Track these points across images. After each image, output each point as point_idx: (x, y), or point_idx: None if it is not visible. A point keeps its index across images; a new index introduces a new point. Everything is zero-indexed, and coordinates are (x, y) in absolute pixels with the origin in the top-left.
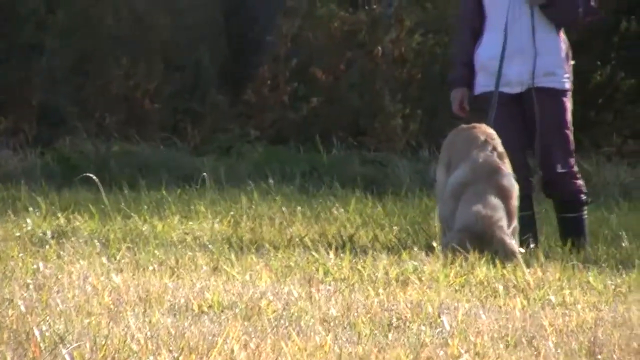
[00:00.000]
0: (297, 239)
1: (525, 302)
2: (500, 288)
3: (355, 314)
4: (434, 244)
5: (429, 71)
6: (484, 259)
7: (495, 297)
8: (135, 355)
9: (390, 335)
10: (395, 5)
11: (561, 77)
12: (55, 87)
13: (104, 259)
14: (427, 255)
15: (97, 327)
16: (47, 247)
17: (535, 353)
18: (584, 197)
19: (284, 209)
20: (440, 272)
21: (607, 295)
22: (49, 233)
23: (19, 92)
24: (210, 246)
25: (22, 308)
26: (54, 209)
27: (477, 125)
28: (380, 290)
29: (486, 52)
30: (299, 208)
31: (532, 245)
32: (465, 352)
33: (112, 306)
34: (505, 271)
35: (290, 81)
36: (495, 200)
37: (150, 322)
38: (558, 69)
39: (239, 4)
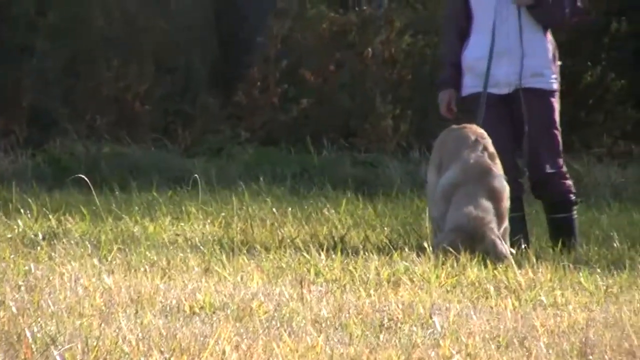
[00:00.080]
0: (288, 240)
1: (516, 303)
2: (492, 289)
3: (347, 314)
4: (425, 245)
5: (419, 72)
6: (475, 259)
7: (486, 297)
8: (127, 356)
9: (381, 336)
10: (385, 6)
11: (549, 77)
12: (46, 89)
13: (96, 261)
14: (418, 256)
15: (89, 329)
16: (39, 248)
17: (527, 354)
18: (573, 197)
19: (274, 210)
20: (431, 273)
21: (598, 296)
22: (40, 234)
23: (9, 94)
24: (201, 247)
25: (14, 309)
26: (45, 211)
27: (468, 125)
28: (372, 291)
29: (473, 53)
30: (290, 209)
31: (523, 246)
32: (457, 352)
33: (103, 307)
34: (496, 272)
35: (280, 82)
36: (486, 203)
37: (141, 323)
38: (545, 70)
39: (230, 6)
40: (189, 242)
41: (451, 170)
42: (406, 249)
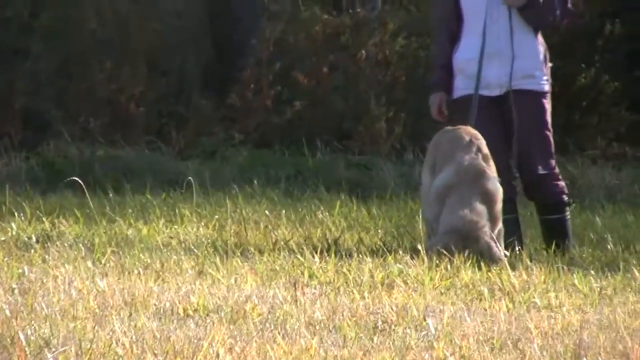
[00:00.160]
0: (282, 243)
1: (510, 305)
2: (486, 291)
3: (341, 317)
4: (419, 247)
5: (412, 74)
6: (469, 262)
7: (480, 300)
8: (121, 359)
9: (375, 339)
10: (378, 8)
11: (540, 79)
12: (39, 91)
13: (89, 263)
14: (412, 258)
15: (83, 331)
16: (32, 251)
17: (521, 356)
18: (566, 198)
19: (268, 212)
20: (425, 275)
21: (592, 298)
22: (34, 237)
23: (3, 96)
24: (195, 250)
25: (7, 312)
26: (39, 213)
27: (462, 126)
28: (366, 294)
29: (464, 55)
30: (283, 212)
31: (517, 248)
32: (451, 355)
33: (97, 310)
34: (490, 274)
35: (273, 85)
36: (480, 206)
37: (135, 326)
38: (537, 72)
39: (223, 8)
40: (183, 245)
41: (445, 171)
42: (400, 252)
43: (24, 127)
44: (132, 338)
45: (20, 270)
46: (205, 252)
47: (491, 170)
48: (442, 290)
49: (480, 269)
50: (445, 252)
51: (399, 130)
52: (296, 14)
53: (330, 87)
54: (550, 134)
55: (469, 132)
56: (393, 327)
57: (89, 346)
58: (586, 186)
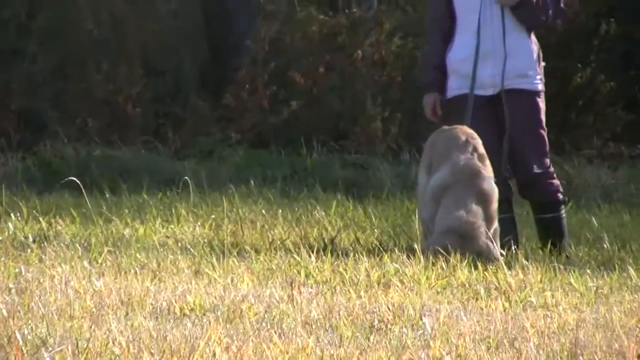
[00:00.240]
0: (278, 242)
1: (506, 304)
2: (482, 290)
3: (337, 316)
4: (416, 247)
5: (408, 74)
6: (465, 261)
7: (476, 299)
8: (117, 358)
9: (372, 338)
10: (374, 8)
11: (534, 78)
12: (36, 92)
13: (86, 263)
14: (408, 257)
15: (79, 331)
16: (29, 251)
17: (517, 355)
18: (561, 196)
19: (265, 212)
20: (421, 275)
21: (588, 297)
22: (30, 237)
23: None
24: (191, 249)
25: (4, 312)
26: (36, 213)
27: (459, 126)
28: (362, 293)
29: (458, 55)
30: (280, 211)
31: (513, 248)
32: (447, 354)
33: (94, 310)
34: (486, 273)
35: (269, 85)
36: (475, 207)
37: (132, 325)
38: (530, 71)
39: (219, 9)
40: (179, 244)
41: (441, 171)
42: (396, 251)
43: (20, 128)
44: (128, 337)
45: (17, 270)
46: (202, 251)
47: (487, 170)
48: (439, 290)
49: (476, 268)
50: (443, 251)
51: (395, 130)
52: (292, 14)
53: (327, 87)
54: (544, 133)
55: (465, 131)
56: (389, 326)
57: (85, 345)
58: (582, 185)
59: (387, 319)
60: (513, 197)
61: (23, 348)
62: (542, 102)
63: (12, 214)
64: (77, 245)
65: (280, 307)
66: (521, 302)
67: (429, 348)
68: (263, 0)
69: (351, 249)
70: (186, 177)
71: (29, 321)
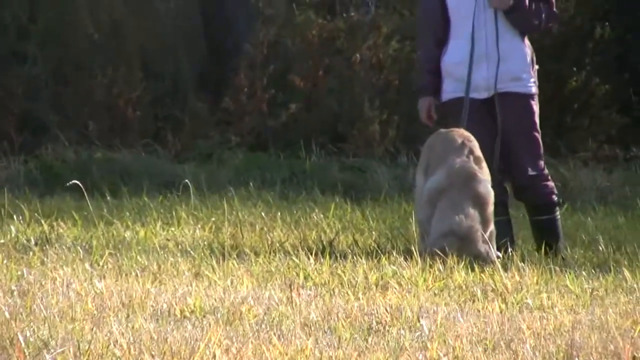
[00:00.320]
0: (277, 245)
1: (503, 306)
2: (479, 292)
3: (336, 318)
4: (413, 249)
5: (406, 77)
6: (462, 263)
7: (473, 301)
8: None
9: (370, 339)
10: (372, 12)
11: (527, 81)
12: (37, 95)
13: (87, 265)
14: (406, 259)
15: (81, 333)
16: (31, 253)
17: (514, 356)
18: (555, 198)
19: (264, 214)
20: (419, 277)
21: (584, 299)
22: (32, 240)
23: (1, 100)
24: (192, 252)
25: (7, 314)
26: (38, 216)
27: (456, 129)
28: (360, 295)
29: (452, 59)
30: (279, 214)
31: (509, 250)
32: (444, 355)
33: (95, 312)
34: (483, 275)
35: (268, 88)
36: (472, 210)
37: (133, 327)
38: (524, 74)
39: (217, 12)
40: (180, 247)
41: (437, 174)
42: (394, 253)
43: (22, 131)
44: (129, 339)
45: (19, 273)
46: (202, 254)
47: (483, 173)
48: (436, 292)
49: (473, 270)
50: (441, 254)
51: (393, 133)
52: (291, 18)
53: (325, 90)
54: (538, 136)
55: (462, 134)
56: (387, 327)
57: (87, 347)
58: (578, 188)
59: (385, 321)
60: (509, 200)
61: (25, 350)
62: (536, 105)
63: (14, 217)
64: (79, 247)
65: (280, 309)
66: (517, 303)
67: (426, 349)
68: (262, 4)
69: (349, 251)
70: (186, 180)
71: (31, 323)
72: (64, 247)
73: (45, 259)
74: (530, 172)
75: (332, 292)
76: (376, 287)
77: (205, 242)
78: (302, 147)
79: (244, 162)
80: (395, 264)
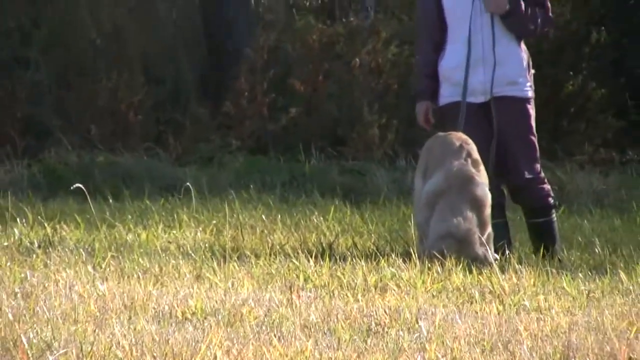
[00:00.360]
0: (277, 247)
1: (500, 308)
2: (476, 294)
3: (335, 319)
4: (412, 251)
5: (405, 81)
6: (460, 265)
7: (471, 302)
8: None
9: (369, 341)
10: (371, 17)
11: (524, 85)
12: (40, 100)
13: (90, 268)
14: (404, 262)
15: (83, 334)
16: (34, 256)
17: (511, 357)
18: (552, 200)
19: (264, 217)
20: (417, 279)
21: (580, 300)
22: (36, 242)
23: (5, 105)
24: (193, 254)
25: (10, 316)
26: (41, 219)
27: (454, 132)
28: (360, 297)
29: (449, 63)
30: (279, 217)
31: (507, 252)
32: (443, 356)
33: (97, 314)
34: (481, 277)
35: (268, 92)
36: (470, 213)
37: (135, 329)
38: (520, 78)
39: (217, 18)
40: (181, 250)
41: (434, 177)
42: (393, 255)
43: (25, 135)
44: (131, 341)
45: (22, 275)
46: (203, 256)
47: (480, 176)
48: (434, 293)
49: (471, 272)
50: (439, 256)
51: (392, 136)
52: (291, 23)
53: (325, 94)
54: (535, 139)
55: (460, 137)
56: (386, 329)
57: (89, 349)
58: (574, 191)
59: (384, 322)
60: (506, 203)
61: (28, 351)
62: (532, 109)
63: (17, 220)
64: (81, 250)
65: (280, 310)
66: (515, 305)
67: (425, 351)
68: (262, 10)
69: (349, 253)
70: (187, 183)
71: (34, 325)
72: (66, 250)
73: (48, 262)
74: (527, 175)
75: (331, 294)
76: (375, 289)
77: (207, 245)
78: (302, 150)
79: (245, 165)
80: (394, 266)
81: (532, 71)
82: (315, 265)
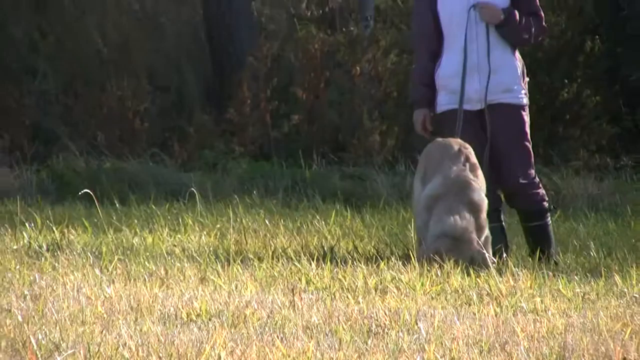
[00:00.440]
0: (280, 250)
1: (498, 309)
2: (474, 296)
3: (336, 321)
4: (411, 254)
5: (404, 89)
6: (458, 268)
7: (469, 304)
8: None
9: (369, 342)
10: (371, 27)
11: (518, 93)
12: (48, 108)
13: (97, 271)
14: (404, 265)
15: (91, 336)
16: (43, 259)
17: (508, 358)
18: (546, 204)
19: (267, 221)
20: (417, 281)
21: (576, 302)
22: (44, 246)
23: (14, 113)
24: (197, 258)
25: (20, 317)
26: (49, 223)
27: (452, 138)
28: (360, 299)
29: (446, 72)
30: (282, 221)
31: (504, 255)
32: (441, 357)
33: (104, 315)
34: (478, 280)
35: (271, 100)
36: (467, 214)
37: (141, 330)
38: (515, 86)
39: (221, 27)
40: (186, 253)
41: (433, 182)
42: (393, 258)
43: (34, 142)
44: (137, 342)
45: (31, 278)
46: (207, 259)
47: (477, 181)
48: (433, 295)
49: (469, 275)
50: (436, 255)
51: (392, 143)
52: (293, 33)
53: (326, 102)
54: (529, 145)
55: (458, 141)
56: (386, 330)
57: (97, 349)
58: (570, 196)
59: (384, 324)
60: (502, 207)
61: (37, 352)
62: (526, 116)
63: (27, 224)
64: (89, 253)
65: (282, 312)
66: (512, 307)
67: (424, 351)
68: (264, 20)
69: (349, 256)
70: (192, 188)
71: (43, 326)
72: (74, 253)
73: (56, 265)
74: (521, 180)
75: (333, 296)
76: (375, 291)
77: (211, 248)
78: (304, 156)
79: (248, 171)
80: (394, 269)
81: (527, 79)
82: (316, 268)
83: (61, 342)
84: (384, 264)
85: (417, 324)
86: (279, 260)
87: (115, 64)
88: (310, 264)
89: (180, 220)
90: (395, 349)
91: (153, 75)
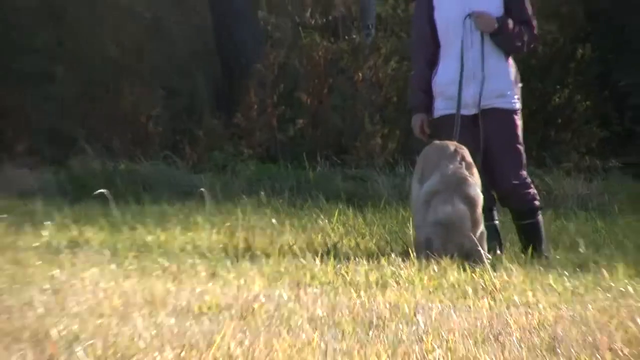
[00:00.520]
0: (286, 247)
1: (492, 303)
2: (470, 290)
3: (340, 314)
4: (410, 251)
5: (404, 94)
6: (455, 264)
7: (465, 298)
8: (142, 352)
9: (370, 333)
10: (373, 35)
11: (511, 98)
12: (66, 113)
13: (113, 266)
14: (403, 261)
15: (108, 327)
16: (62, 256)
17: (501, 348)
18: (537, 203)
19: (274, 220)
20: (415, 276)
21: (566, 296)
22: (63, 243)
23: (34, 117)
24: (208, 254)
25: (41, 310)
26: (68, 222)
27: (448, 141)
28: (362, 293)
29: (443, 79)
30: (287, 220)
31: (497, 252)
32: (438, 347)
33: (121, 308)
34: (474, 275)
35: (278, 105)
36: (462, 206)
37: (155, 322)
38: (508, 91)
39: (229, 36)
40: (197, 250)
41: (431, 179)
42: (393, 255)
43: (53, 145)
44: (152, 333)
45: (51, 273)
46: (218, 256)
47: (473, 178)
48: (431, 290)
49: (465, 270)
50: (428, 243)
51: (392, 145)
52: (297, 41)
53: (330, 106)
54: (521, 148)
55: (454, 143)
56: (386, 322)
57: (113, 340)
58: (561, 196)
59: (385, 316)
60: (495, 206)
61: (58, 343)
62: (519, 120)
63: (46, 223)
64: (105, 250)
65: (288, 305)
66: (505, 300)
67: (422, 342)
68: (270, 28)
69: (352, 253)
70: (202, 189)
71: (63, 318)
72: (92, 250)
73: (75, 261)
74: (513, 181)
75: (336, 291)
76: (376, 285)
77: (221, 245)
78: (309, 159)
79: (256, 172)
80: (394, 264)
81: (520, 84)
82: (321, 264)
83: (80, 334)
84: (385, 260)
85: (415, 316)
86: (285, 257)
87: (129, 70)
88: (315, 260)
89: (192, 219)
90: (395, 340)
91: (165, 82)
